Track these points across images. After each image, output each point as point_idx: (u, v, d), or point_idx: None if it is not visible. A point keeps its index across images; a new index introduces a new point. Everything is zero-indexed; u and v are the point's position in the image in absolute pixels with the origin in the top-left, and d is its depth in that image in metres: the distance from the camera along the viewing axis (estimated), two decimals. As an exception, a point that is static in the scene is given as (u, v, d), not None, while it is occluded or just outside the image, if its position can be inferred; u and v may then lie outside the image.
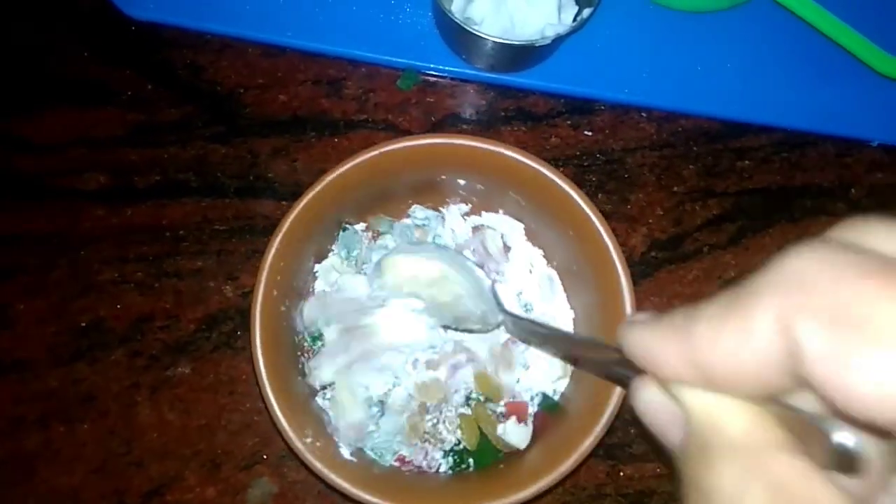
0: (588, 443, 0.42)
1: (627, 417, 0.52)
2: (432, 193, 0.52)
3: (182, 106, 0.57)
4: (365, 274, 0.49)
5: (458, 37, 0.54)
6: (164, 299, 0.53)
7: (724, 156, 0.58)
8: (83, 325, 0.53)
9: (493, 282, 0.46)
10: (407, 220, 0.52)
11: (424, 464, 0.47)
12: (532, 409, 0.48)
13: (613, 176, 0.57)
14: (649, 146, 0.58)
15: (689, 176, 0.57)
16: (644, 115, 0.58)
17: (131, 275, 0.54)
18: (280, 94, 0.58)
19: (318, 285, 0.50)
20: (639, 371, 0.20)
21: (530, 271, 0.51)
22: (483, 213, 0.52)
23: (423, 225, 0.51)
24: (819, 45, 0.56)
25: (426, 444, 0.47)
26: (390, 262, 0.46)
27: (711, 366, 0.17)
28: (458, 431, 0.48)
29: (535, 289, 0.50)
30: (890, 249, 0.16)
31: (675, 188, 0.57)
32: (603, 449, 0.51)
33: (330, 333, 0.48)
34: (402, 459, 0.47)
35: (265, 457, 0.50)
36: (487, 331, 0.46)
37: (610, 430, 0.51)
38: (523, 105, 0.58)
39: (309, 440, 0.42)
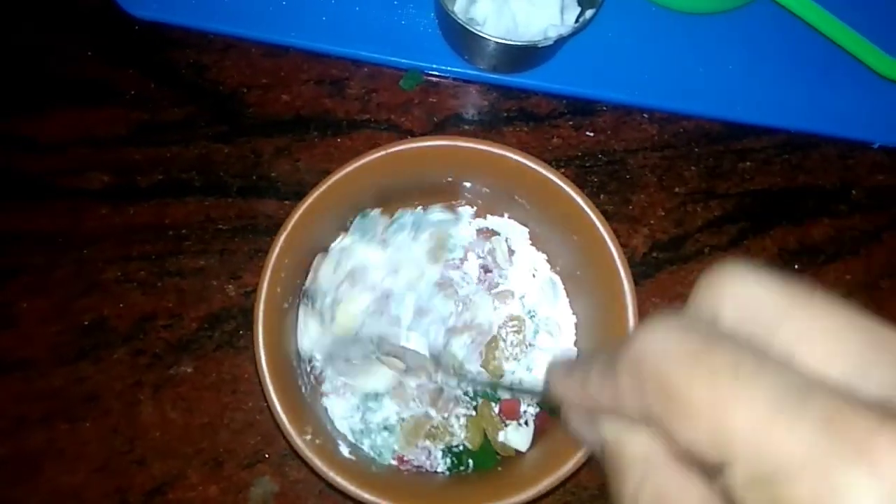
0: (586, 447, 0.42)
1: (628, 418, 0.52)
2: (438, 195, 0.52)
3: (185, 105, 0.57)
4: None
5: (461, 37, 0.54)
6: (167, 298, 0.53)
7: (725, 157, 0.58)
8: (86, 324, 0.53)
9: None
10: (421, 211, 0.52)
11: (428, 463, 0.47)
12: (524, 407, 0.48)
13: (615, 177, 0.57)
14: (651, 147, 0.58)
15: (691, 177, 0.58)
16: (646, 116, 0.58)
17: (134, 274, 0.54)
18: (283, 93, 0.58)
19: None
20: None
21: (533, 276, 0.51)
22: (488, 216, 0.52)
23: (440, 223, 0.51)
24: (821, 47, 0.56)
25: (429, 441, 0.47)
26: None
27: (602, 408, 0.22)
28: (464, 431, 0.48)
29: (537, 293, 0.51)
30: (732, 312, 0.20)
31: (677, 189, 0.57)
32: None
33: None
34: (400, 459, 0.47)
35: (267, 456, 0.51)
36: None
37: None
38: (525, 106, 0.58)
39: (308, 437, 0.43)
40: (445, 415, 0.48)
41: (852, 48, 0.54)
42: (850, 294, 0.55)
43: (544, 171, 0.46)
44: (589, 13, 0.52)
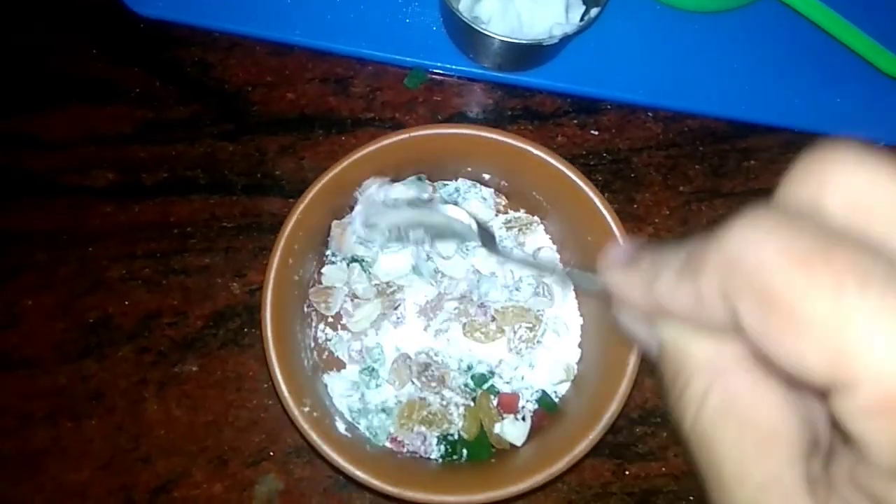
0: (582, 446, 0.42)
1: (634, 417, 0.52)
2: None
3: (190, 104, 0.57)
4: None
5: (466, 36, 0.54)
6: (172, 296, 0.53)
7: (730, 156, 0.58)
8: (91, 321, 0.53)
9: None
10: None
11: (422, 449, 0.47)
12: (523, 403, 0.49)
13: (620, 175, 0.57)
14: (656, 146, 0.58)
15: (696, 176, 0.58)
16: (650, 114, 0.58)
17: (139, 271, 0.54)
18: (288, 92, 0.58)
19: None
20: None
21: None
22: (510, 211, 0.53)
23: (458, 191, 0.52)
24: (826, 46, 0.56)
25: (425, 427, 0.47)
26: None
27: (672, 311, 0.19)
28: (461, 420, 0.48)
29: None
30: (841, 204, 0.17)
31: (682, 188, 0.57)
32: (609, 448, 0.51)
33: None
34: (395, 441, 0.48)
35: (272, 453, 0.51)
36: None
37: (616, 429, 0.52)
38: (530, 104, 0.58)
39: (307, 409, 0.43)
40: (444, 402, 0.48)
41: (858, 47, 0.54)
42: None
43: (565, 170, 0.46)
44: (594, 12, 0.52)
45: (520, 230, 0.52)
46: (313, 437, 0.42)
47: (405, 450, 0.48)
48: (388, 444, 0.47)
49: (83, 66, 0.58)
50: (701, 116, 0.58)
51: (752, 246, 0.16)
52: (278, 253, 0.45)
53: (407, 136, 0.46)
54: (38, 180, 0.56)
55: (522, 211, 0.52)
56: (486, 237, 0.38)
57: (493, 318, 0.49)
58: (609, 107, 0.58)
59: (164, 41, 0.59)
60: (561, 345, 0.50)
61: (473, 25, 0.50)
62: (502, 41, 0.51)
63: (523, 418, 0.48)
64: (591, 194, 0.46)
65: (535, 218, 0.52)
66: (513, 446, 0.48)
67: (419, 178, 0.51)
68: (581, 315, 0.50)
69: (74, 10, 0.60)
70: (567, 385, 0.49)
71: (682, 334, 0.20)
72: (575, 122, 0.58)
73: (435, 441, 0.48)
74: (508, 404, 0.48)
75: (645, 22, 0.59)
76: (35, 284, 0.54)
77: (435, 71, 0.58)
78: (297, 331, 0.48)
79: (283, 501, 0.50)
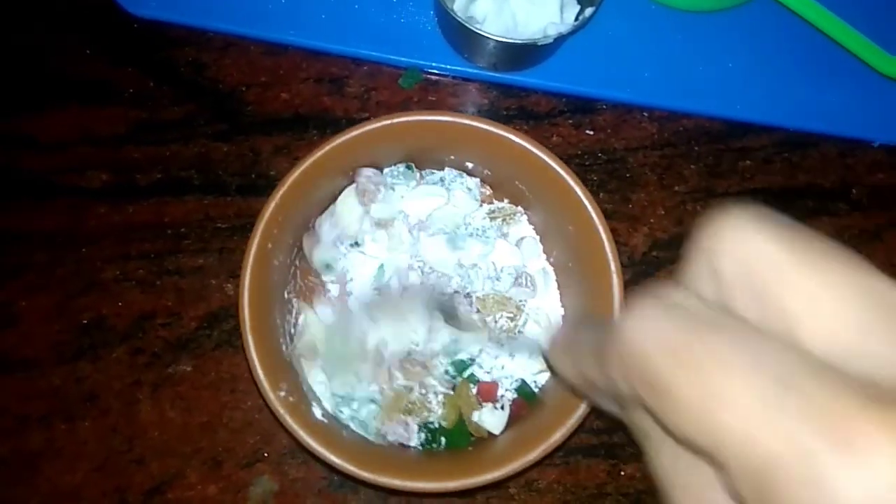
0: (559, 435, 0.42)
1: (628, 417, 0.52)
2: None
3: (184, 104, 0.57)
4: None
5: (460, 35, 0.54)
6: (166, 297, 0.53)
7: (725, 156, 0.58)
8: (85, 322, 0.53)
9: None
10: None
11: (404, 437, 0.47)
12: (502, 392, 0.49)
13: (615, 175, 0.57)
14: (651, 146, 0.58)
15: (691, 176, 0.57)
16: (646, 114, 0.58)
17: (133, 272, 0.54)
18: (282, 92, 0.58)
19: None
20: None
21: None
22: (494, 201, 0.53)
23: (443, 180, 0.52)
24: (821, 46, 0.56)
25: (409, 415, 0.47)
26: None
27: (601, 390, 0.22)
28: (441, 408, 0.48)
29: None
30: (730, 272, 0.19)
31: (677, 188, 0.57)
32: (604, 448, 0.51)
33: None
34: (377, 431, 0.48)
35: (266, 455, 0.50)
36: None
37: (611, 429, 0.52)
38: (525, 104, 0.58)
39: (282, 394, 0.43)
40: (423, 391, 0.48)
41: (852, 46, 0.54)
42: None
43: (546, 158, 0.46)
44: (588, 11, 0.52)
45: (503, 220, 0.51)
46: (288, 420, 0.42)
47: (387, 438, 0.48)
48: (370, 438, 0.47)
49: (77, 66, 0.58)
50: (696, 116, 0.58)
51: (635, 335, 0.18)
52: (257, 236, 0.44)
53: (389, 122, 0.46)
54: (32, 181, 0.56)
55: (506, 201, 0.52)
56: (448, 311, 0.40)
57: (477, 310, 0.49)
58: (604, 106, 0.58)
59: (157, 41, 0.59)
60: (542, 335, 0.50)
61: (468, 25, 0.50)
62: (497, 41, 0.51)
63: (502, 407, 0.48)
64: (572, 183, 0.46)
65: (519, 208, 0.52)
66: (491, 435, 0.48)
67: (407, 167, 0.51)
68: (563, 306, 0.50)
69: (68, 11, 0.59)
70: (546, 375, 0.49)
71: (623, 407, 0.22)
72: (570, 121, 0.58)
73: (416, 429, 0.48)
74: (487, 393, 0.48)
75: (640, 21, 0.59)
76: (31, 285, 0.54)
77: (430, 71, 0.58)
78: (277, 316, 0.47)
79: (277, 502, 0.50)
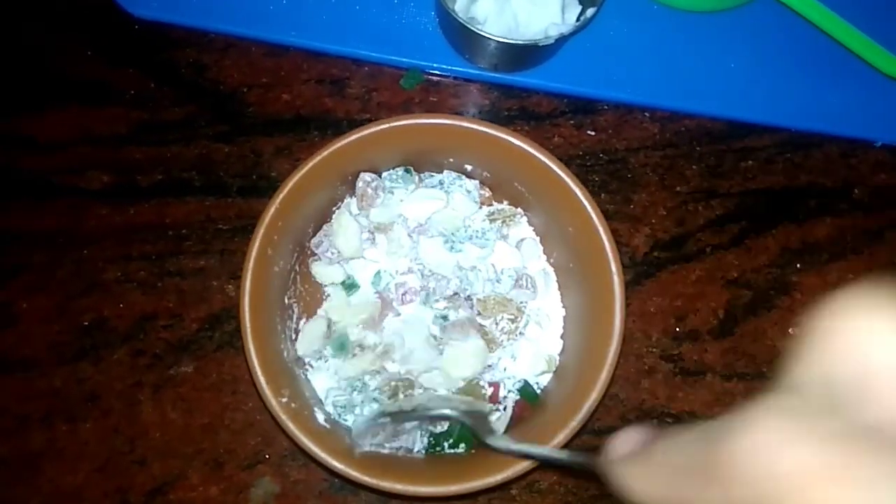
0: (561, 436, 0.42)
1: (630, 418, 0.52)
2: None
3: (185, 105, 0.57)
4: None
5: (462, 36, 0.54)
6: (167, 298, 0.53)
7: (727, 156, 0.58)
8: (86, 324, 0.53)
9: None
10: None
11: (409, 440, 0.47)
12: (504, 393, 0.49)
13: (616, 176, 0.57)
14: (652, 146, 0.58)
15: (693, 176, 0.57)
16: (647, 115, 0.58)
17: (134, 274, 0.54)
18: (283, 93, 0.58)
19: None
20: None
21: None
22: (493, 203, 0.53)
23: (441, 185, 0.52)
24: (823, 46, 0.56)
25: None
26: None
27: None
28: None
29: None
30: (852, 376, 0.16)
31: (679, 188, 0.57)
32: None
33: None
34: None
35: (267, 456, 0.50)
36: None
37: (613, 430, 0.51)
38: (526, 105, 0.58)
39: (285, 400, 0.43)
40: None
41: (855, 46, 0.54)
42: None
43: (545, 160, 0.46)
44: (590, 12, 0.52)
45: (503, 222, 0.51)
46: (291, 427, 0.42)
47: (390, 444, 0.47)
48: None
49: (78, 67, 0.58)
50: (698, 116, 0.58)
51: (765, 453, 0.15)
52: (257, 242, 0.44)
53: (388, 126, 0.46)
54: (33, 182, 0.56)
55: (506, 203, 0.52)
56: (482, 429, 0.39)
57: (479, 312, 0.49)
58: (606, 107, 0.58)
59: (159, 42, 0.59)
60: (543, 336, 0.50)
61: (469, 26, 0.50)
62: (498, 42, 0.50)
63: (504, 408, 0.48)
64: (571, 184, 0.46)
65: (519, 210, 0.52)
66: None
67: (406, 170, 0.51)
68: (564, 307, 0.50)
69: (69, 12, 0.59)
70: (549, 376, 0.49)
71: None
72: (571, 122, 0.58)
73: (419, 433, 0.48)
74: (492, 395, 0.48)
75: (641, 22, 0.58)
76: (31, 286, 0.54)
77: (431, 72, 0.58)
78: (277, 322, 0.47)
79: (278, 504, 0.50)
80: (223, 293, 0.53)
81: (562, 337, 0.50)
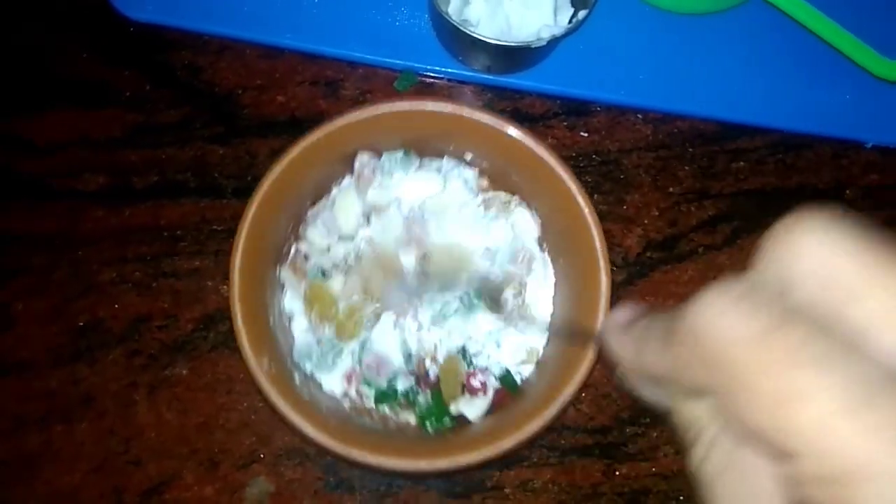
0: (534, 426, 0.42)
1: (624, 417, 0.53)
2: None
3: (180, 107, 0.58)
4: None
5: (455, 38, 0.54)
6: (162, 299, 0.53)
7: (719, 157, 0.58)
8: (81, 325, 0.53)
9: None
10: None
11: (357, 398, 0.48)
12: (483, 379, 0.49)
13: (609, 177, 0.57)
14: (645, 147, 0.58)
15: (685, 177, 0.58)
16: (640, 116, 0.59)
17: (130, 275, 0.54)
18: (278, 95, 0.58)
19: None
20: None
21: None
22: (491, 192, 0.53)
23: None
24: (814, 48, 0.56)
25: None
26: None
27: (658, 376, 0.22)
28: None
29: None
30: (803, 283, 0.18)
31: (671, 189, 0.57)
32: (598, 448, 0.52)
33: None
34: (348, 377, 0.48)
35: (262, 456, 0.51)
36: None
37: (605, 429, 0.52)
38: (519, 106, 0.58)
39: (265, 364, 0.43)
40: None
41: (844, 48, 0.55)
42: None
43: (540, 152, 0.46)
44: (582, 14, 0.52)
45: (497, 210, 0.52)
46: (269, 389, 0.42)
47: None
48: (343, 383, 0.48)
49: (73, 69, 0.58)
50: (690, 118, 0.59)
51: (714, 320, 0.18)
52: (254, 207, 0.45)
53: (389, 108, 0.47)
54: (29, 184, 0.56)
55: (503, 193, 0.52)
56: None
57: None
58: (598, 109, 0.59)
59: (154, 44, 0.59)
60: (529, 327, 0.50)
61: (462, 28, 0.50)
62: (491, 44, 0.51)
63: (485, 394, 0.49)
64: (566, 177, 0.46)
65: (515, 197, 0.52)
66: (469, 420, 0.48)
67: (405, 153, 0.51)
68: (553, 304, 0.51)
69: (65, 14, 0.60)
70: (531, 367, 0.49)
71: (681, 398, 0.22)
72: (564, 124, 0.58)
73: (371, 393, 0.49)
74: (472, 377, 0.49)
75: (633, 24, 0.59)
76: (27, 288, 0.54)
77: (425, 74, 0.58)
78: (267, 288, 0.48)
79: (273, 503, 0.50)
80: (218, 294, 0.54)
81: (547, 330, 0.50)
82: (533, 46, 0.51)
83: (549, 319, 0.50)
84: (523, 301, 0.50)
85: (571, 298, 0.49)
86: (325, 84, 0.58)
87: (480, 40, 0.51)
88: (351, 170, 0.51)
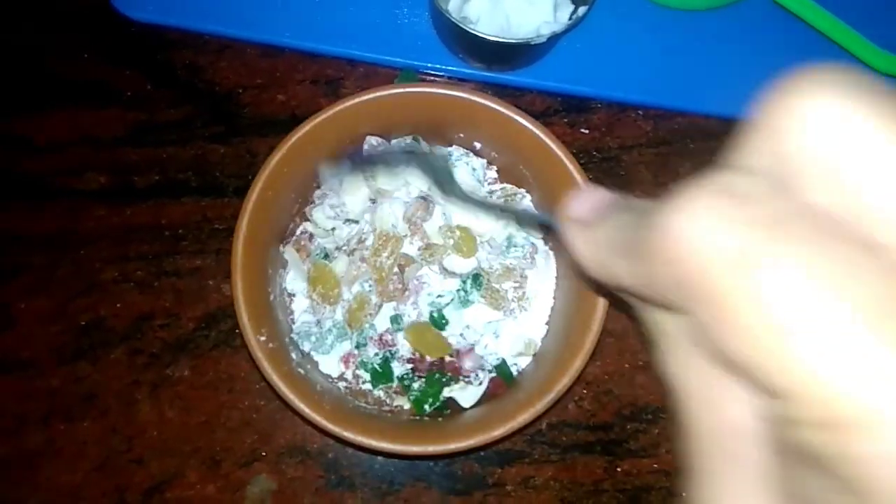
0: (527, 415, 0.42)
1: (626, 413, 0.52)
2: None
3: (181, 106, 0.58)
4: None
5: (455, 36, 0.54)
6: (164, 298, 0.54)
7: (720, 153, 0.58)
8: (84, 324, 0.53)
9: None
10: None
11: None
12: (479, 364, 0.49)
13: (610, 173, 0.57)
14: (646, 143, 0.58)
15: (686, 173, 0.57)
16: (640, 112, 0.59)
17: (132, 274, 0.54)
18: (278, 93, 0.58)
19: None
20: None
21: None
22: (497, 182, 0.53)
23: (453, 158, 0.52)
24: (815, 42, 0.56)
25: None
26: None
27: (622, 285, 0.19)
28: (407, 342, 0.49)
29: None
30: (804, 158, 0.15)
31: (673, 185, 0.57)
32: (600, 445, 0.52)
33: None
34: (346, 360, 0.49)
35: (264, 454, 0.51)
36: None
37: (607, 426, 0.52)
38: (520, 103, 0.58)
39: (263, 339, 0.44)
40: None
41: (845, 43, 0.54)
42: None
43: (548, 141, 0.46)
44: (582, 10, 0.52)
45: (505, 201, 0.52)
46: (265, 366, 0.42)
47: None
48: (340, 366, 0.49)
49: (75, 69, 0.59)
50: (690, 114, 0.59)
51: (692, 234, 0.15)
52: (260, 182, 0.45)
53: (397, 91, 0.47)
54: (30, 183, 0.56)
55: (510, 186, 0.52)
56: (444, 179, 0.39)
57: (487, 281, 0.49)
58: (599, 105, 0.59)
59: (155, 44, 0.59)
60: (528, 319, 0.50)
61: (462, 25, 0.50)
62: (491, 41, 0.51)
63: (480, 383, 0.49)
64: (573, 169, 0.46)
65: (521, 190, 0.52)
66: (462, 407, 0.49)
67: (414, 138, 0.51)
68: (554, 298, 0.51)
69: (66, 14, 0.60)
70: (528, 359, 0.49)
71: (648, 307, 0.19)
72: (565, 120, 0.58)
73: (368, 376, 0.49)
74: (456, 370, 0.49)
75: (634, 20, 0.59)
76: (29, 287, 0.54)
77: (425, 71, 0.58)
78: (269, 264, 0.48)
79: (275, 501, 0.50)
80: (219, 292, 0.54)
81: (546, 324, 0.50)
82: (533, 43, 0.51)
83: (549, 313, 0.50)
84: (524, 293, 0.49)
85: (572, 291, 0.49)
86: (326, 83, 0.58)
87: (480, 38, 0.51)
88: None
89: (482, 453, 0.51)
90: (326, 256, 0.49)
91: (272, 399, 0.51)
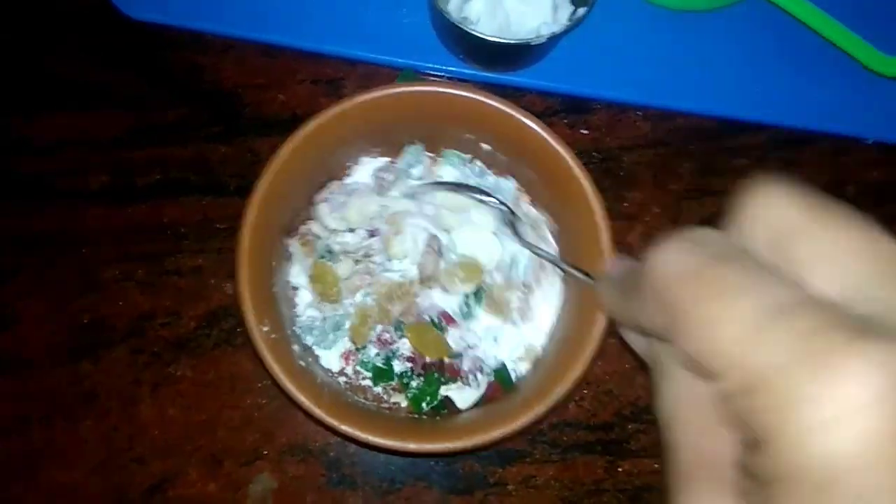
0: (524, 419, 0.42)
1: (626, 414, 0.53)
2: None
3: (182, 106, 0.58)
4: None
5: (455, 36, 0.54)
6: (165, 297, 0.54)
7: (720, 154, 0.58)
8: (85, 323, 0.53)
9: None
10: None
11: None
12: (480, 366, 0.49)
13: (610, 174, 0.57)
14: (646, 144, 0.58)
15: (686, 174, 0.58)
16: (640, 113, 0.59)
17: (133, 273, 0.54)
18: (279, 93, 0.58)
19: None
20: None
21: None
22: (498, 178, 0.53)
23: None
24: (814, 44, 0.56)
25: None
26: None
27: (637, 324, 0.24)
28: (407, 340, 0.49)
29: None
30: (762, 236, 0.21)
31: (672, 186, 0.58)
32: (601, 445, 0.52)
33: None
34: (346, 356, 0.49)
35: (266, 452, 0.51)
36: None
37: (608, 426, 0.52)
38: (520, 104, 0.57)
39: (266, 329, 0.44)
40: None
41: (844, 44, 0.55)
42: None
43: (555, 144, 0.47)
44: (581, 11, 0.52)
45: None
46: (267, 357, 0.42)
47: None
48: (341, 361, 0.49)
49: (75, 69, 0.59)
50: (690, 115, 0.59)
51: (659, 263, 0.21)
52: (271, 175, 0.46)
53: (405, 90, 0.47)
54: (31, 183, 0.56)
55: (511, 179, 0.53)
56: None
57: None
58: (599, 106, 0.59)
59: (155, 44, 0.59)
60: (529, 326, 0.50)
61: (462, 26, 0.51)
62: (491, 41, 0.51)
63: (478, 386, 0.49)
64: (579, 174, 0.46)
65: (524, 193, 0.52)
66: (458, 408, 0.49)
67: (415, 147, 0.51)
68: (559, 308, 0.50)
69: (66, 14, 0.60)
70: (527, 365, 0.49)
71: (653, 343, 0.24)
72: (565, 121, 0.58)
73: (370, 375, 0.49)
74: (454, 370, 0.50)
75: (633, 21, 0.59)
76: (30, 287, 0.54)
77: (425, 72, 0.58)
78: (274, 256, 0.48)
79: (277, 500, 0.50)
80: (221, 291, 0.54)
81: (548, 332, 0.50)
82: (532, 44, 0.51)
83: (551, 322, 0.50)
84: (528, 304, 0.49)
85: (572, 301, 0.49)
86: (326, 82, 0.58)
87: (480, 38, 0.51)
88: (370, 149, 0.52)
89: (483, 453, 0.51)
90: (331, 254, 0.50)
91: (274, 398, 0.51)
